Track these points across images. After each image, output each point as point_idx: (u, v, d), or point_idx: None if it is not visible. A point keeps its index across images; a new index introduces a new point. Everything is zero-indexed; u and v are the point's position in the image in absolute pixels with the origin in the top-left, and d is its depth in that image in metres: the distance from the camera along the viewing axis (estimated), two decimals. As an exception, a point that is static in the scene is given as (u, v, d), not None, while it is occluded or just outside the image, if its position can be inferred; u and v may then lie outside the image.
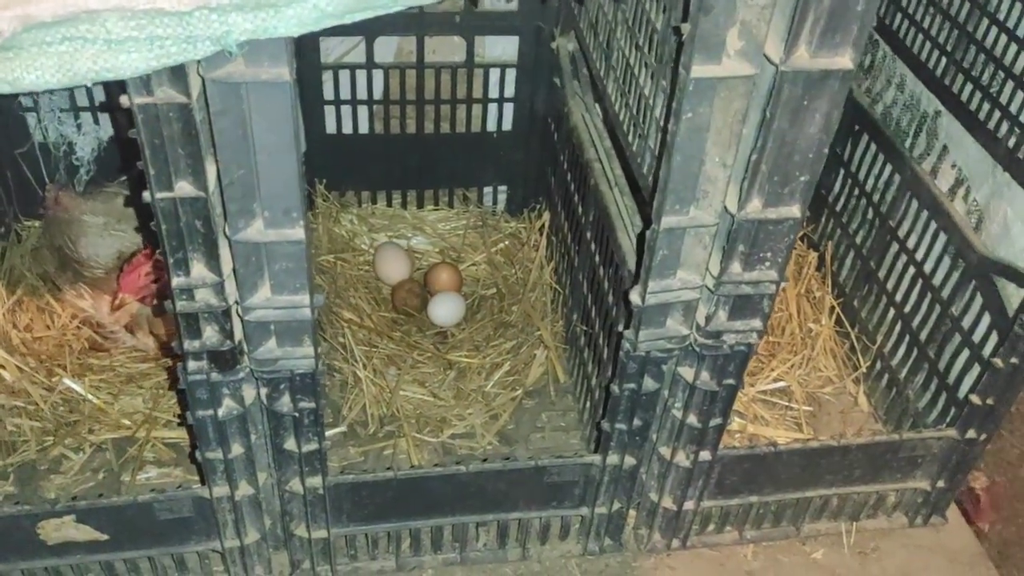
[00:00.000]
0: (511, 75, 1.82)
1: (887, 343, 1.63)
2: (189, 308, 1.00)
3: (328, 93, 1.81)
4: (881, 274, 1.65)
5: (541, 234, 1.89)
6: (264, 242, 0.95)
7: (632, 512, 1.43)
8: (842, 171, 1.77)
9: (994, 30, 1.35)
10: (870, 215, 1.68)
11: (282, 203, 0.92)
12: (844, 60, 0.89)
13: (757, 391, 1.68)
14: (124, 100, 0.83)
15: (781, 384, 1.69)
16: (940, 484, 1.44)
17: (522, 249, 1.94)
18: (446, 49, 1.81)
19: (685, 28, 0.88)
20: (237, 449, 1.17)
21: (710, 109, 0.93)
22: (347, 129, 1.86)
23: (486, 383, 1.66)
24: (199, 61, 0.81)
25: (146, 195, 0.90)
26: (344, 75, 1.79)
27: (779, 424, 1.64)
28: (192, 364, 1.06)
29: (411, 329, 1.77)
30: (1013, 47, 1.31)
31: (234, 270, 0.98)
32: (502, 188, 2.02)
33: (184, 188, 0.90)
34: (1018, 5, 1.29)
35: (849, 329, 1.75)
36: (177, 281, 0.97)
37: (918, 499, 1.48)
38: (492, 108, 1.87)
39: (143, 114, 0.84)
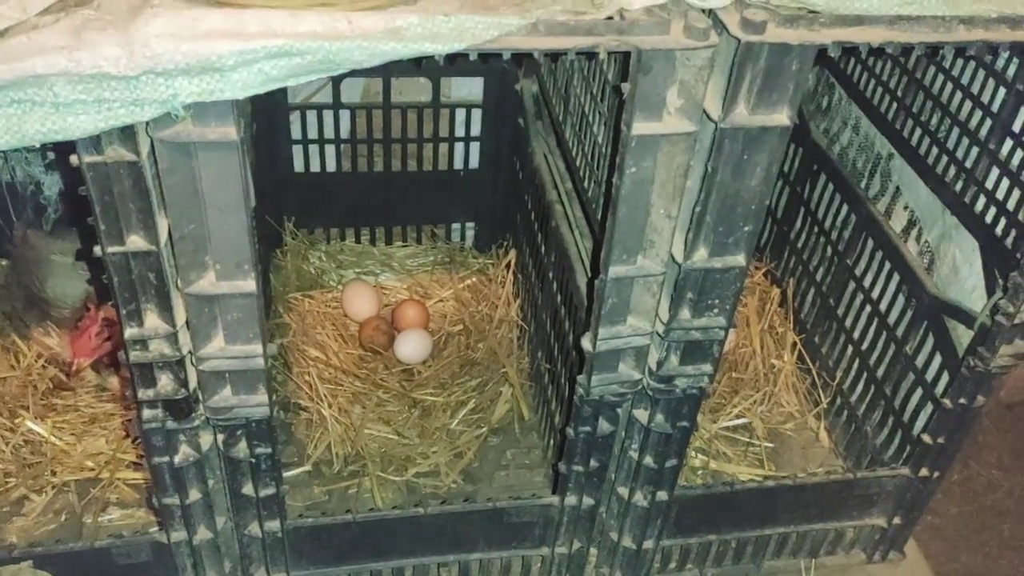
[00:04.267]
0: (476, 115, 1.84)
1: (846, 380, 1.65)
2: (143, 358, 1.01)
3: (296, 132, 1.82)
4: (840, 311, 1.67)
5: (508, 271, 1.91)
6: (217, 294, 0.96)
7: (593, 551, 1.43)
8: (802, 209, 1.80)
9: (940, 78, 1.39)
10: (829, 253, 1.71)
11: (233, 257, 0.94)
12: (781, 117, 0.92)
13: (719, 427, 1.69)
14: (73, 159, 0.84)
15: (743, 420, 1.71)
16: (896, 521, 1.46)
17: (489, 285, 1.96)
18: (412, 89, 1.84)
19: (625, 87, 0.90)
20: (195, 495, 1.17)
21: (653, 163, 0.95)
22: (315, 167, 1.88)
23: (451, 421, 1.67)
24: (147, 122, 0.82)
25: (97, 249, 0.91)
26: (311, 115, 1.81)
27: (741, 460, 1.65)
28: (147, 412, 1.07)
29: (377, 367, 1.78)
30: (959, 95, 1.35)
31: (187, 321, 0.99)
32: (470, 224, 2.04)
33: (136, 242, 0.91)
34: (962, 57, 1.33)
35: (811, 365, 1.77)
36: (130, 332, 0.98)
37: (875, 535, 1.50)
38: (459, 147, 1.89)
39: (93, 172, 0.85)
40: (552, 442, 1.58)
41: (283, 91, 1.76)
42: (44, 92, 0.77)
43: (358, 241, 2.03)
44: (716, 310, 1.09)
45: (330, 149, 1.86)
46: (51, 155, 1.76)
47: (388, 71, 1.75)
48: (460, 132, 1.87)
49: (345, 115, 1.82)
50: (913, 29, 0.88)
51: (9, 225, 1.79)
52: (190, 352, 1.02)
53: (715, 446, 1.67)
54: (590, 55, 0.85)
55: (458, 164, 1.92)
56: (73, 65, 0.75)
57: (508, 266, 1.91)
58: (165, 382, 1.04)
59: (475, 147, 1.89)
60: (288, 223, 1.94)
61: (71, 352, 1.57)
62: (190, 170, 0.86)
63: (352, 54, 0.79)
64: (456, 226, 2.04)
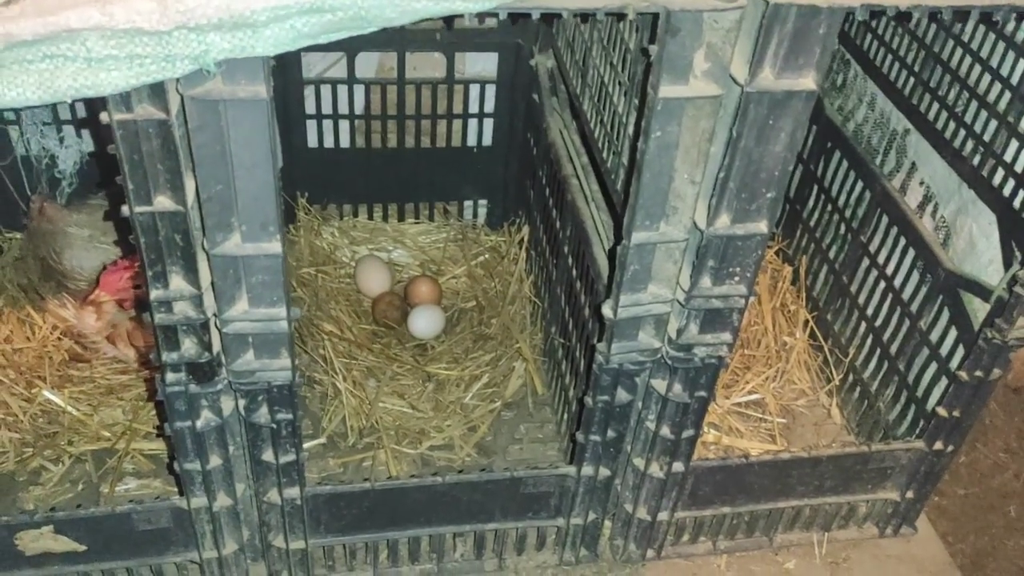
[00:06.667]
0: (491, 91, 1.84)
1: (859, 356, 1.66)
2: (168, 320, 1.01)
3: (310, 107, 1.82)
4: (853, 288, 1.68)
5: (521, 247, 1.91)
6: (242, 256, 0.97)
7: (607, 523, 1.44)
8: (816, 187, 1.81)
9: (959, 51, 1.39)
10: (842, 230, 1.71)
11: (259, 217, 0.94)
12: (807, 81, 0.92)
13: (732, 403, 1.70)
14: (104, 116, 0.84)
15: (756, 396, 1.72)
16: (909, 495, 1.47)
17: (502, 262, 1.96)
18: (427, 65, 1.84)
19: (653, 50, 0.90)
20: (215, 460, 1.18)
21: (678, 128, 0.96)
22: (329, 143, 1.88)
23: (465, 395, 1.68)
24: (178, 79, 0.82)
25: (125, 209, 0.92)
26: (326, 90, 1.81)
27: (753, 436, 1.66)
28: (170, 376, 1.07)
29: (391, 341, 1.79)
30: (977, 68, 1.35)
31: (212, 283, 0.99)
32: (482, 202, 2.04)
33: (163, 203, 0.92)
34: (982, 28, 1.33)
35: (823, 342, 1.77)
36: (156, 294, 0.99)
37: (888, 510, 1.50)
38: (472, 123, 1.89)
39: (122, 130, 0.85)
40: (565, 416, 1.59)
41: (298, 66, 1.76)
42: (77, 47, 0.77)
43: (371, 218, 2.03)
44: (737, 278, 1.09)
45: (344, 125, 1.87)
46: (66, 128, 1.77)
47: (403, 45, 1.75)
48: (474, 108, 1.87)
49: (359, 90, 1.82)
50: (941, -8, 0.88)
51: (24, 198, 1.79)
52: (214, 315, 1.03)
53: (727, 422, 1.67)
54: (618, 16, 0.85)
55: (472, 141, 1.92)
56: (106, 19, 0.76)
57: (521, 242, 1.91)
58: (189, 345, 1.05)
59: (489, 123, 1.89)
60: (301, 199, 1.95)
61: (99, 285, 1.57)
62: (219, 129, 0.87)
63: (384, 11, 0.79)
64: (468, 203, 2.04)
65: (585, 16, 0.83)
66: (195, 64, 0.79)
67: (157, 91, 0.84)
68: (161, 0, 0.75)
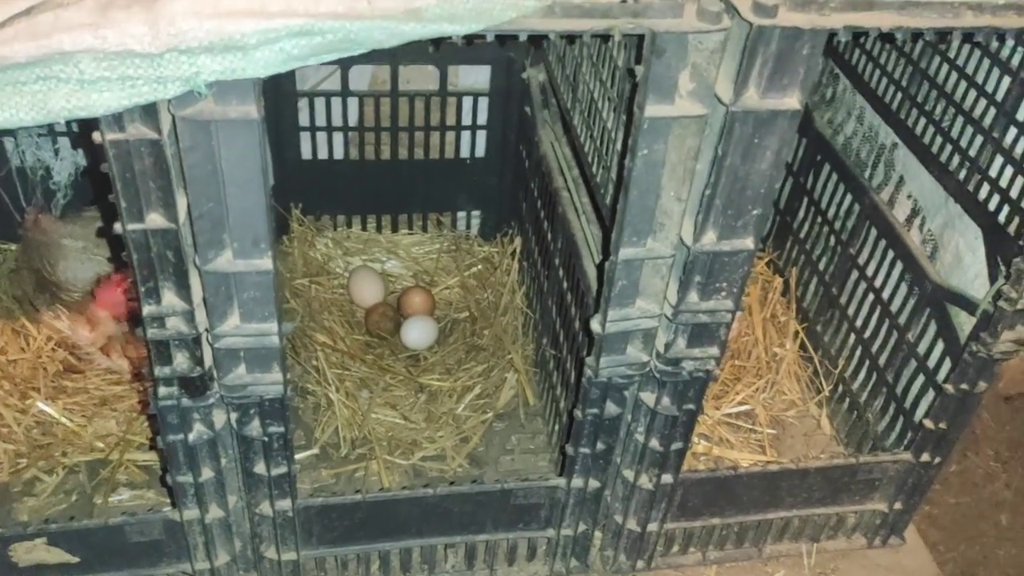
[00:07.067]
0: (483, 103, 1.86)
1: (848, 367, 1.67)
2: (160, 335, 1.02)
3: (304, 120, 1.84)
4: (842, 300, 1.69)
5: (513, 259, 1.93)
6: (233, 272, 0.98)
7: (598, 534, 1.45)
8: (806, 199, 1.82)
9: (945, 68, 1.40)
10: (832, 242, 1.73)
11: (251, 234, 0.95)
12: (792, 101, 0.93)
13: (722, 414, 1.71)
14: (96, 136, 0.86)
15: (746, 407, 1.73)
16: (897, 506, 1.48)
17: (494, 273, 1.97)
18: (420, 78, 1.85)
19: (639, 70, 0.92)
20: (207, 473, 1.19)
21: (664, 146, 0.97)
22: (323, 155, 1.89)
23: (457, 406, 1.69)
24: (169, 100, 0.83)
25: (117, 226, 0.93)
26: (319, 102, 1.82)
27: (744, 447, 1.67)
28: (163, 390, 1.08)
29: (384, 352, 1.80)
30: (963, 84, 1.36)
31: (204, 299, 1.00)
32: (475, 213, 2.05)
33: (155, 220, 0.93)
34: (967, 46, 1.34)
35: (812, 353, 1.79)
36: (148, 309, 1.00)
37: (876, 520, 1.51)
38: (465, 135, 1.91)
39: (115, 149, 0.86)
40: (557, 427, 1.60)
41: (291, 78, 1.77)
42: (69, 69, 0.78)
43: (364, 229, 2.04)
44: (724, 293, 1.10)
45: (338, 137, 1.88)
46: (61, 140, 1.78)
47: (396, 58, 1.76)
48: (467, 120, 1.88)
49: (353, 103, 1.84)
50: (922, 14, 0.89)
51: (19, 210, 1.80)
52: (206, 330, 1.03)
53: (718, 432, 1.68)
54: (604, 37, 0.87)
55: (464, 152, 1.93)
56: (99, 42, 0.77)
57: (513, 254, 1.92)
58: (181, 360, 1.06)
59: (482, 135, 1.91)
60: (295, 210, 1.96)
61: (95, 300, 1.59)
62: (210, 148, 0.88)
63: (372, 34, 0.80)
64: (462, 214, 2.05)
65: (572, 37, 0.85)
66: (186, 86, 0.80)
67: (149, 111, 0.85)
68: (153, 23, 0.76)
